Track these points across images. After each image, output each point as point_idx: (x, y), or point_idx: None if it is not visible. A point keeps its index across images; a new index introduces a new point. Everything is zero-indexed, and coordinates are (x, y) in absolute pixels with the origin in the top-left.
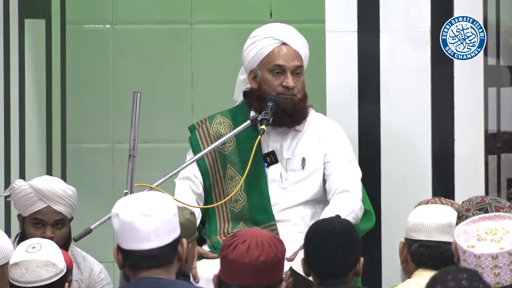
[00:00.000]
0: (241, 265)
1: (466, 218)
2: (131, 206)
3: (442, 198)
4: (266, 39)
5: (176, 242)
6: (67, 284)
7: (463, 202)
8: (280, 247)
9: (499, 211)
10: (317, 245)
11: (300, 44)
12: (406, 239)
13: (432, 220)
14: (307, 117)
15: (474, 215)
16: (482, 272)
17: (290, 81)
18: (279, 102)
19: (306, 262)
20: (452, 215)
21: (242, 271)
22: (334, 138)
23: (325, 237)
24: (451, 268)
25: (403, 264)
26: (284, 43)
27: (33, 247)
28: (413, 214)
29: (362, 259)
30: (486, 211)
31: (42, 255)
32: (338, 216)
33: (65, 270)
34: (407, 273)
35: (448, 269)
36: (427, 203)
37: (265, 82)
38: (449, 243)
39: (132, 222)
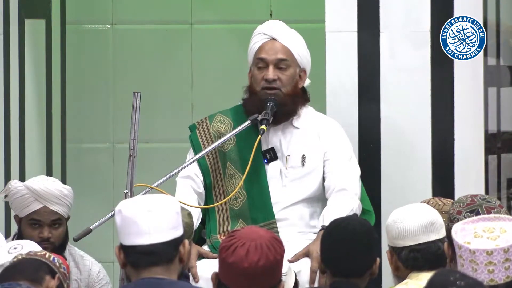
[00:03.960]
0: (240, 269)
1: (458, 221)
2: (134, 203)
3: (442, 198)
4: (258, 35)
5: (178, 241)
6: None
7: (453, 203)
8: (279, 248)
9: (490, 212)
10: (335, 243)
11: (290, 39)
12: (393, 248)
13: (413, 223)
14: (298, 111)
15: (465, 217)
16: (476, 268)
17: (269, 73)
18: (263, 98)
19: (322, 259)
20: (429, 211)
21: (241, 276)
22: (333, 136)
23: (344, 236)
24: (445, 269)
25: (395, 272)
26: (273, 38)
27: (14, 248)
28: (392, 222)
29: (378, 259)
30: (478, 213)
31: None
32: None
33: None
34: (401, 279)
35: (442, 270)
36: (427, 203)
37: (253, 77)
38: (437, 241)
39: (134, 216)
